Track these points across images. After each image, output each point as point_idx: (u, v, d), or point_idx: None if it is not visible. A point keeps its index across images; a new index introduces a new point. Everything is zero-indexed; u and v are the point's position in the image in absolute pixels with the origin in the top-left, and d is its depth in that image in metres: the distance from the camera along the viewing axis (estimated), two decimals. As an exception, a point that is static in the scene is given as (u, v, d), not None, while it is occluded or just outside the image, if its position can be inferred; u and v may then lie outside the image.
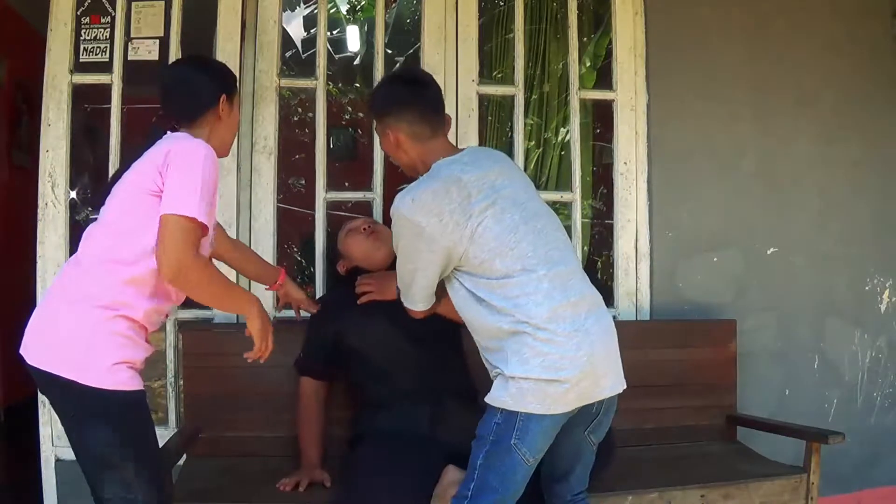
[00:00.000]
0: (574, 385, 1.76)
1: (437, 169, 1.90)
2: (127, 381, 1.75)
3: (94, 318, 1.73)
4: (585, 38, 3.39)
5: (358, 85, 5.41)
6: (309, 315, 2.44)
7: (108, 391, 1.72)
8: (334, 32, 5.21)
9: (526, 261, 1.82)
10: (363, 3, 5.32)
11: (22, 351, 1.77)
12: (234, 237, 2.59)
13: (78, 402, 1.73)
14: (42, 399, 2.55)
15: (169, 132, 1.88)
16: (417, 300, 1.97)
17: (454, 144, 2.06)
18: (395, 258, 2.07)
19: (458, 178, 1.85)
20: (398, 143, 1.98)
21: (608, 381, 1.84)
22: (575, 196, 2.97)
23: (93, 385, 1.71)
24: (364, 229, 2.42)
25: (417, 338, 2.26)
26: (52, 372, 1.72)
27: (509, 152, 2.77)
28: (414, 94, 2.00)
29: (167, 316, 1.96)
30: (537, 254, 1.83)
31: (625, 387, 1.89)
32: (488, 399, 1.84)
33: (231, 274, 2.42)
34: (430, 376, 2.27)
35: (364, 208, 2.89)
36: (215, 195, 1.82)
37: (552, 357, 1.76)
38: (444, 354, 2.32)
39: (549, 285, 1.81)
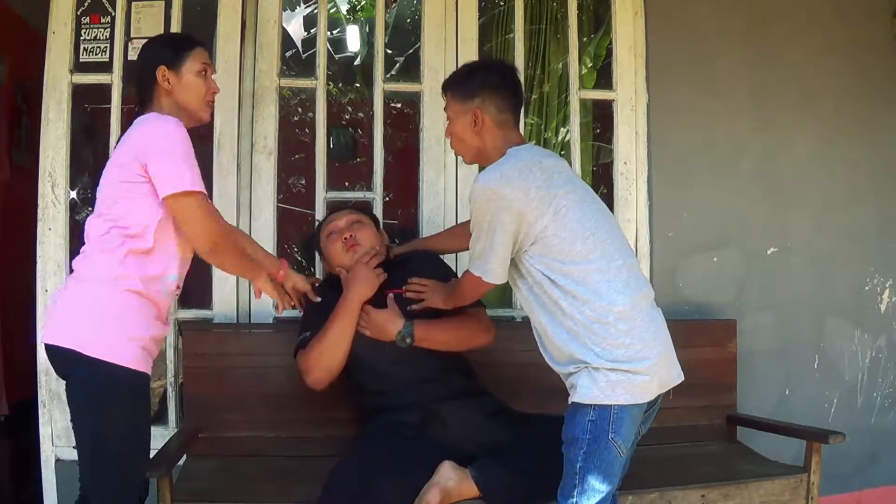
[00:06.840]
0: (655, 374, 1.82)
1: (516, 151, 1.93)
2: (131, 359, 1.78)
3: (101, 294, 1.79)
4: (585, 38, 3.39)
5: (358, 85, 5.40)
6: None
7: (111, 364, 1.75)
8: (334, 32, 5.22)
9: (605, 246, 1.86)
10: (363, 3, 5.32)
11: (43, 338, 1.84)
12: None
13: (85, 375, 1.76)
14: (42, 399, 2.55)
15: (137, 116, 1.92)
16: (498, 273, 1.91)
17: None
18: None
19: (539, 161, 1.90)
20: (481, 126, 1.97)
21: (675, 370, 1.90)
22: (575, 196, 2.96)
23: (96, 356, 1.74)
24: (345, 239, 2.32)
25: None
26: (60, 345, 1.77)
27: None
28: (506, 82, 2.02)
29: (179, 288, 1.97)
30: (615, 243, 1.89)
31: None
32: (577, 398, 1.81)
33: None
34: (427, 376, 2.24)
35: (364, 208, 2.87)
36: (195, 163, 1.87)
37: (635, 346, 1.80)
38: (443, 355, 2.27)
39: (627, 275, 1.86)
